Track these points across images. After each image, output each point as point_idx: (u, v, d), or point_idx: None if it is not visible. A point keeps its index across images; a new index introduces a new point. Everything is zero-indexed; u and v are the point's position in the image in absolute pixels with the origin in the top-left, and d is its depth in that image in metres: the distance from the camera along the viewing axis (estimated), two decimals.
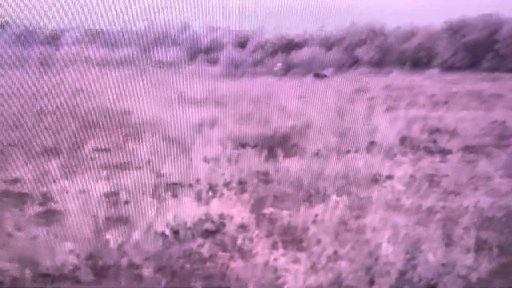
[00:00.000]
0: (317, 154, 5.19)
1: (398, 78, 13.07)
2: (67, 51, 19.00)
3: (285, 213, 3.82)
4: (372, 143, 5.73)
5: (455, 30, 15.41)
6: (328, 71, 16.46)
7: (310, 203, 3.88)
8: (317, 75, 14.01)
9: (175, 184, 4.68)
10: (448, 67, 15.32)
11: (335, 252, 2.97)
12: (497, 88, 10.47)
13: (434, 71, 14.32)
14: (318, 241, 3.19)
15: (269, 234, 3.44)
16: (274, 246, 3.21)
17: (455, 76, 12.99)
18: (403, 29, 16.43)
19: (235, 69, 19.16)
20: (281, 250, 3.12)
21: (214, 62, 22.92)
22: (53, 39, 19.73)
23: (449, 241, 3.08)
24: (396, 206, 3.80)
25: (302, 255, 3.04)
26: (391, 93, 10.14)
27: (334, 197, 3.94)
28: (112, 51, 19.60)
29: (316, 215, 3.58)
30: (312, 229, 3.39)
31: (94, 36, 20.52)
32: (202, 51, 26.86)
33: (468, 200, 3.95)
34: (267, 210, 3.86)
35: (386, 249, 2.83)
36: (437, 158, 5.25)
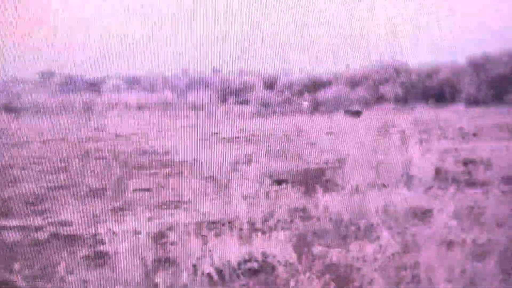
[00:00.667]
0: (355, 189, 5.00)
1: (423, 113, 12.83)
2: (108, 97, 19.40)
3: (333, 251, 3.63)
4: (408, 176, 5.52)
5: (478, 65, 15.15)
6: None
7: (359, 240, 3.71)
8: (349, 112, 13.84)
9: (215, 222, 4.58)
10: (472, 102, 15.01)
11: None
12: None
13: (459, 106, 14.04)
14: (371, 282, 2.99)
15: (318, 274, 3.26)
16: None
17: (480, 110, 12.69)
18: (426, 65, 16.26)
19: (264, 109, 19.24)
20: None
21: (245, 103, 23.09)
22: (95, 86, 20.17)
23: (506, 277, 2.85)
24: (448, 241, 3.59)
25: None
26: (419, 127, 9.91)
27: (384, 234, 3.75)
28: (149, 96, 19.94)
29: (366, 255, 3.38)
30: (364, 268, 3.20)
31: (132, 83, 20.92)
32: (233, 93, 27.14)
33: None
34: (315, 249, 3.69)
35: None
36: (476, 190, 5.01)
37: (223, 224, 4.36)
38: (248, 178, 5.78)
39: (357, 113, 16.13)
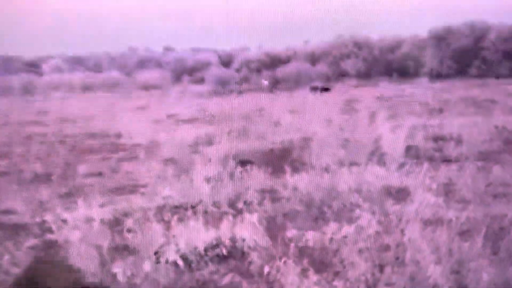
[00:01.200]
0: (325, 168, 4.93)
1: (387, 88, 12.95)
2: (49, 78, 18.69)
3: (309, 234, 3.54)
4: (378, 154, 5.50)
5: (440, 38, 15.39)
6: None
7: (335, 222, 3.64)
8: (317, 88, 13.78)
9: (177, 207, 4.42)
10: (436, 76, 15.27)
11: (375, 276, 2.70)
12: (488, 94, 10.37)
13: (422, 80, 14.25)
14: (352, 265, 2.92)
15: (295, 259, 3.15)
16: (304, 274, 2.93)
17: (444, 84, 12.90)
18: (388, 40, 16.40)
19: (222, 87, 18.99)
20: (313, 278, 2.84)
21: (200, 81, 22.74)
22: (35, 67, 19.43)
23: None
24: (430, 220, 3.57)
25: (339, 283, 2.77)
26: (384, 103, 9.96)
27: (362, 214, 3.68)
28: (94, 76, 19.35)
29: (345, 236, 3.30)
30: (344, 251, 3.12)
31: (75, 63, 20.26)
32: (187, 72, 26.69)
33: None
34: (289, 233, 3.59)
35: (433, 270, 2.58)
36: (450, 166, 5.05)
37: (186, 209, 4.22)
38: (210, 160, 5.64)
39: (326, 90, 16.10)
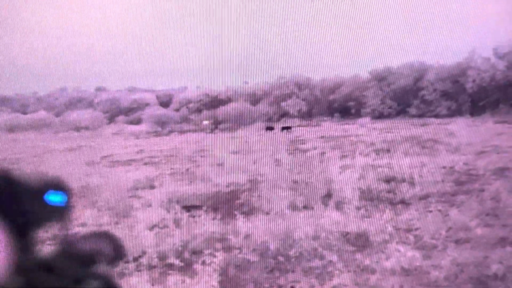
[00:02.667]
0: (278, 213, 4.70)
1: (330, 128, 13.06)
2: None
3: None
4: (331, 197, 5.35)
5: (381, 78, 15.83)
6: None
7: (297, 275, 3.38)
8: (271, 128, 13.68)
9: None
10: (378, 116, 15.60)
11: None
12: (430, 134, 10.61)
13: (365, 120, 14.49)
14: None
15: None
16: None
17: (386, 124, 13.16)
18: (329, 80, 16.71)
19: (161, 128, 18.60)
20: None
21: (137, 122, 22.24)
22: None
23: None
24: (394, 270, 3.38)
25: None
26: (329, 144, 9.97)
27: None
28: (21, 117, 18.50)
29: None
30: None
31: (0, 103, 19.34)
32: (123, 112, 26.10)
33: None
34: None
35: None
36: (408, 210, 4.95)
37: (127, 262, 3.84)
38: (152, 205, 5.28)
39: (287, 128, 16.08)
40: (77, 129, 18.45)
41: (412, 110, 17.06)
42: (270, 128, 14.67)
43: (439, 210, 4.68)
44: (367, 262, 3.43)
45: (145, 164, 9.01)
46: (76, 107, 26.63)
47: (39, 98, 22.36)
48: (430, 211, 4.60)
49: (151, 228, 4.50)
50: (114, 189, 6.30)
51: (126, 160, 9.22)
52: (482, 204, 4.94)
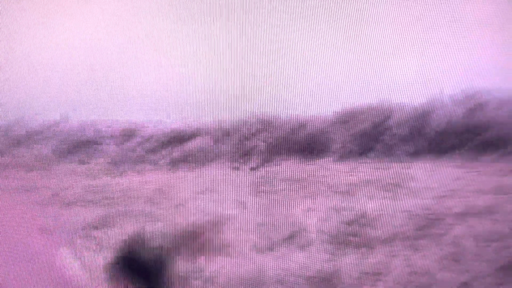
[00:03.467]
0: (244, 256, 4.70)
1: (292, 169, 13.18)
2: None
3: None
4: (297, 239, 5.39)
5: (344, 120, 16.20)
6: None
7: None
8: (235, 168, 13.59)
9: None
10: (340, 157, 15.89)
11: None
12: (392, 177, 10.85)
13: (328, 161, 14.72)
14: None
15: None
16: None
17: (348, 165, 13.38)
18: (293, 120, 16.99)
19: (116, 166, 18.32)
20: None
21: (90, 158, 21.83)
22: None
23: None
24: None
25: None
26: (294, 184, 10.07)
27: None
28: None
29: None
30: None
31: None
32: (73, 149, 25.58)
33: None
34: None
35: None
36: (372, 253, 5.03)
37: None
38: (107, 246, 5.19)
39: (253, 169, 16.04)
40: (24, 166, 18.04)
41: (374, 154, 17.43)
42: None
43: (403, 255, 4.77)
44: None
45: (99, 205, 8.86)
46: (22, 143, 26.03)
47: None
48: (395, 256, 4.69)
49: (107, 269, 4.44)
50: (65, 230, 6.17)
51: (76, 200, 9.04)
52: (443, 249, 5.07)
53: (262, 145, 18.15)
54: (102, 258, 4.67)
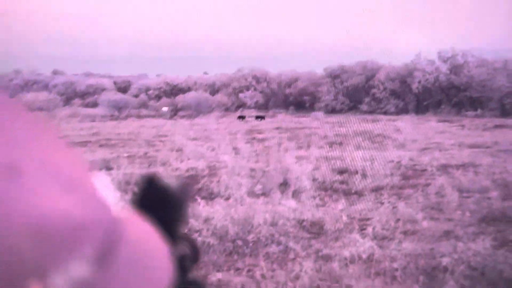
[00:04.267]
0: (238, 199, 4.62)
1: (285, 120, 13.07)
2: None
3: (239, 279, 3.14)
4: (288, 185, 5.31)
5: (334, 76, 15.99)
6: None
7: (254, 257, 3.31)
8: (242, 117, 13.41)
9: None
10: (331, 110, 15.76)
11: None
12: (379, 129, 10.80)
13: (318, 114, 14.60)
14: None
15: None
16: None
17: (338, 118, 13.29)
18: (286, 75, 16.73)
19: (118, 112, 18.07)
20: None
21: (93, 105, 21.56)
22: None
23: None
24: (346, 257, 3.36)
25: None
26: (285, 135, 9.98)
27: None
28: None
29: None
30: None
31: None
32: (78, 96, 25.34)
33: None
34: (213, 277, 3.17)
35: None
36: (359, 200, 4.97)
37: None
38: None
39: (261, 117, 15.82)
40: (32, 110, 17.96)
41: (363, 107, 17.32)
42: (241, 117, 14.41)
43: (389, 202, 4.72)
44: (324, 250, 3.42)
45: (101, 146, 8.75)
46: (31, 89, 25.69)
47: None
48: (382, 203, 4.63)
49: None
50: None
51: (80, 141, 8.92)
52: (427, 198, 5.02)
53: (255, 98, 17.83)
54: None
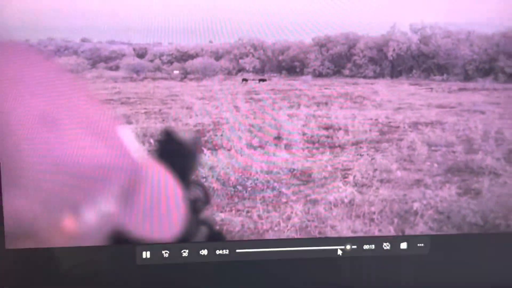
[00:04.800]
0: (238, 150, 4.52)
1: (278, 83, 12.86)
2: None
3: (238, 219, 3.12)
4: (281, 139, 5.20)
5: (321, 45, 15.61)
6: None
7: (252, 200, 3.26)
8: (246, 80, 13.05)
9: None
10: (318, 75, 15.46)
11: None
12: (359, 91, 10.60)
13: (307, 77, 14.34)
14: None
15: None
16: None
17: (324, 81, 13.07)
18: (279, 44, 16.34)
19: (136, 74, 17.76)
20: None
21: (116, 69, 21.13)
22: None
23: None
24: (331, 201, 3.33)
25: None
26: (279, 95, 9.79)
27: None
28: None
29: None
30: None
31: None
32: (103, 60, 24.72)
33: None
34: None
35: None
36: (342, 152, 4.89)
37: None
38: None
39: (263, 80, 15.37)
40: (63, 71, 17.40)
41: (346, 72, 16.88)
42: (245, 80, 13.93)
43: (368, 155, 4.63)
44: (312, 195, 3.37)
45: (122, 103, 8.58)
46: (63, 54, 25.03)
47: (31, 45, 20.84)
48: (361, 155, 4.54)
49: None
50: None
51: (105, 99, 8.73)
52: (400, 151, 4.92)
53: (253, 63, 17.60)
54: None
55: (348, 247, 1.89)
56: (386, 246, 1.87)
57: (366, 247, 1.76)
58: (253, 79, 6.45)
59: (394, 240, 1.80)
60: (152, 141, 4.81)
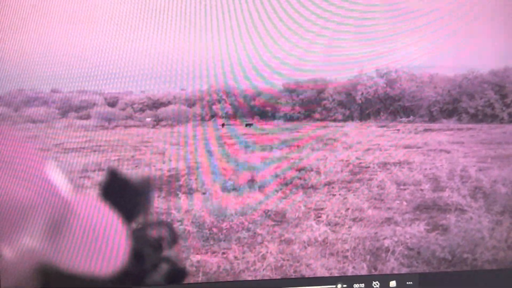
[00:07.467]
0: (212, 193, 4.56)
1: (251, 127, 13.04)
2: None
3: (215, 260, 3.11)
4: (254, 181, 5.26)
5: (291, 90, 16.03)
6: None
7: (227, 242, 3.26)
8: (224, 125, 13.04)
9: None
10: (289, 119, 15.78)
11: None
12: (330, 134, 10.84)
13: (278, 122, 14.60)
14: None
15: None
16: None
17: (295, 125, 13.32)
18: (251, 90, 16.69)
19: (107, 123, 17.70)
20: None
21: (86, 117, 21.00)
22: None
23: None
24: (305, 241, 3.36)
25: None
26: (251, 139, 9.92)
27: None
28: None
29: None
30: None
31: None
32: (73, 109, 24.58)
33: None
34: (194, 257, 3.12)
35: None
36: (314, 193, 4.98)
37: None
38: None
39: (249, 125, 15.39)
40: (33, 121, 17.18)
41: (316, 115, 17.33)
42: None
43: (340, 194, 4.73)
44: (286, 234, 3.41)
45: (93, 151, 8.50)
46: (33, 105, 24.76)
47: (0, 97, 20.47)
48: (334, 195, 4.64)
49: None
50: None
51: (76, 147, 8.64)
52: (370, 190, 5.04)
53: (227, 109, 17.76)
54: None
55: (339, 286, 1.90)
56: (376, 284, 1.89)
57: (356, 286, 1.78)
58: (235, 124, 6.49)
59: (384, 279, 1.82)
60: (90, 177, 4.76)
